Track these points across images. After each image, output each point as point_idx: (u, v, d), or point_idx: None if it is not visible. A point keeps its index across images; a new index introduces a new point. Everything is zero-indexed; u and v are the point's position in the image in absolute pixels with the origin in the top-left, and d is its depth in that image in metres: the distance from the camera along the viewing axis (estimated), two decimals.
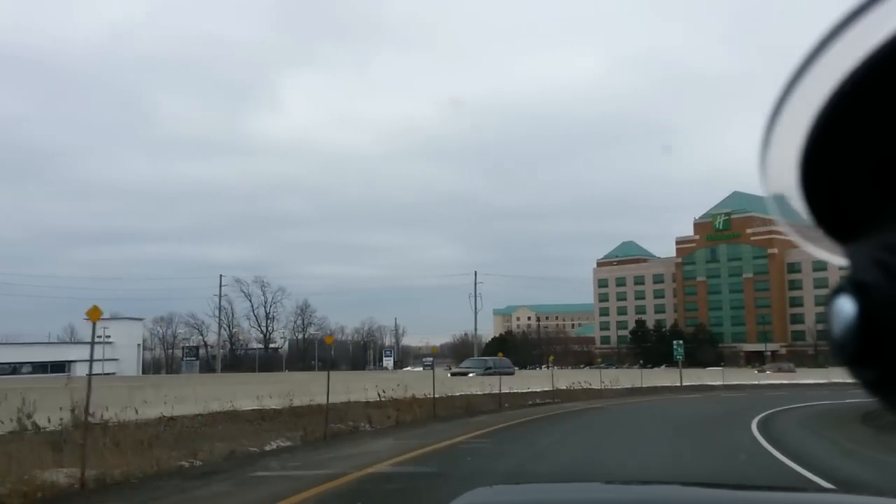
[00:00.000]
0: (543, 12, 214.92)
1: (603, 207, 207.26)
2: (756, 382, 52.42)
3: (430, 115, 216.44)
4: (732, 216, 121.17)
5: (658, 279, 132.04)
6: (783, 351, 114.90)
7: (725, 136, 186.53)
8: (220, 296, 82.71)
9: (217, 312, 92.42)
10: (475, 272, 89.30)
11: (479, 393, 29.66)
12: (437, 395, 25.74)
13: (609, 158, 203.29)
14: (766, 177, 0.62)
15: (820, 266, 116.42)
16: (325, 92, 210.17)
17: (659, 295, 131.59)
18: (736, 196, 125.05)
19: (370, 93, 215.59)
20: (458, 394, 28.60)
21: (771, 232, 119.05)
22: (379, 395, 21.23)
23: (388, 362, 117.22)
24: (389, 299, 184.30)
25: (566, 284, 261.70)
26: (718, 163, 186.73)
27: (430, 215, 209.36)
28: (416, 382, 26.82)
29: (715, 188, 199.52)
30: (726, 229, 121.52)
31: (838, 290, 0.58)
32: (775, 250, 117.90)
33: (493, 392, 30.38)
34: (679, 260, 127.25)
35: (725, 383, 47.63)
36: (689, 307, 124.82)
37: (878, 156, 0.54)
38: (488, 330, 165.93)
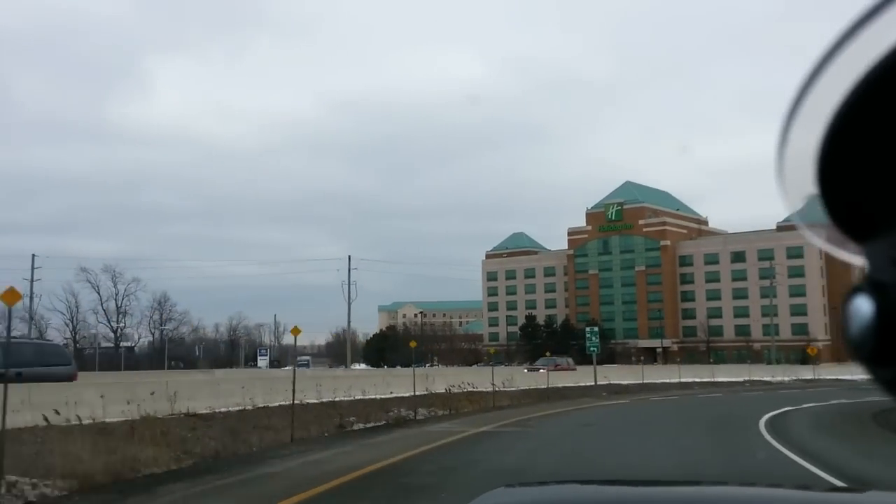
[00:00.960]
0: (430, 13, 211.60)
1: (492, 208, 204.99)
2: (678, 380, 44.96)
3: (314, 109, 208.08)
4: (625, 206, 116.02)
5: (549, 272, 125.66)
6: (675, 347, 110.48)
7: (607, 139, 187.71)
8: (31, 280, 68.88)
9: (53, 305, 78.23)
10: (349, 256, 78.97)
11: (313, 402, 19.87)
12: (228, 409, 15.90)
13: (496, 159, 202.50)
14: (782, 175, 0.61)
15: (711, 259, 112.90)
16: (201, 80, 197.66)
17: (550, 289, 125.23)
18: (628, 186, 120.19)
19: (250, 84, 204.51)
20: (275, 404, 18.67)
21: (663, 223, 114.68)
22: (67, 419, 10.89)
23: (263, 361, 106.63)
24: (272, 297, 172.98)
25: (455, 283, 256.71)
26: (600, 167, 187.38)
27: (315, 212, 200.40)
28: (198, 390, 16.77)
29: (599, 190, 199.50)
30: (618, 220, 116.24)
31: (855, 290, 0.57)
32: (667, 242, 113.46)
33: (339, 399, 20.76)
34: (571, 252, 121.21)
35: (645, 382, 39.70)
36: (581, 301, 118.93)
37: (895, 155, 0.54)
38: (372, 327, 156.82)
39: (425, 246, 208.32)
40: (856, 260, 0.61)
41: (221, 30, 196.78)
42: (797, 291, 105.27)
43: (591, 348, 32.72)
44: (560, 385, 35.73)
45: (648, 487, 2.57)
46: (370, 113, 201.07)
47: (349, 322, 79.16)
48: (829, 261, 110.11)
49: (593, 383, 34.13)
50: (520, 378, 34.67)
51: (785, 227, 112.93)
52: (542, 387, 31.34)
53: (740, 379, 52.11)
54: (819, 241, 0.63)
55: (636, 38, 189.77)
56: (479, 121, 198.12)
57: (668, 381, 45.51)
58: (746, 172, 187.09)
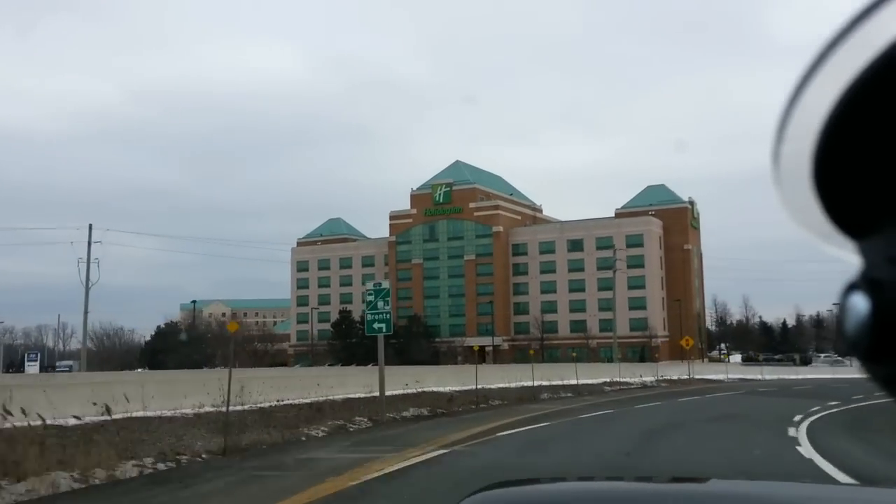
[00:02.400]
0: (246, 2, 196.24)
1: (317, 207, 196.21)
2: (527, 384, 30.95)
3: (120, 97, 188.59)
4: (454, 188, 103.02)
5: (368, 262, 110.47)
6: (506, 346, 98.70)
7: (434, 143, 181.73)
8: None
9: None
10: (89, 225, 59.59)
11: None
12: None
13: (319, 157, 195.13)
14: (778, 172, 0.61)
15: (547, 248, 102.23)
16: None
17: (369, 281, 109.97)
18: (459, 166, 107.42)
19: (43, 66, 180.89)
20: None
21: (496, 207, 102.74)
22: None
23: (33, 367, 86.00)
24: (61, 299, 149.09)
25: (274, 282, 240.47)
26: (425, 171, 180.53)
27: (121, 207, 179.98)
28: None
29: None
30: (447, 202, 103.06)
31: (851, 287, 0.58)
32: (500, 228, 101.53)
33: None
34: (393, 238, 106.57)
35: (480, 387, 25.12)
36: (403, 295, 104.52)
37: (892, 151, 0.53)
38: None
39: (246, 245, 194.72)
40: (851, 257, 0.60)
41: (6, 6, 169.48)
42: (636, 283, 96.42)
43: (377, 324, 17.11)
44: (335, 395, 20.42)
45: (648, 484, 2.47)
46: (185, 105, 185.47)
47: (86, 312, 59.74)
48: (669, 250, 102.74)
49: (379, 393, 18.74)
50: (259, 389, 18.86)
51: (624, 213, 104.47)
52: (263, 401, 15.72)
53: (598, 381, 39.24)
54: (815, 238, 0.62)
55: (460, 44, 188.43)
56: (302, 117, 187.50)
57: (508, 385, 31.47)
58: (569, 181, 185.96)
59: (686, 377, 45.12)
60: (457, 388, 27.03)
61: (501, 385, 31.75)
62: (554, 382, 36.09)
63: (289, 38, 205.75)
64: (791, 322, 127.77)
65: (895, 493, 2.10)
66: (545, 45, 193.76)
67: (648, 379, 43.33)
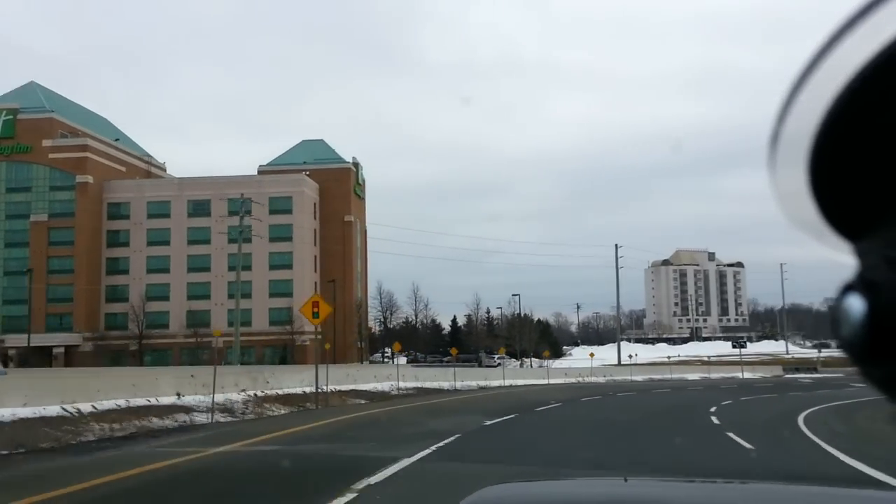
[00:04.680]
0: None
1: None
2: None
3: None
4: (20, 116, 70.32)
5: None
6: (89, 347, 68.49)
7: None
8: None
9: None
10: None
11: None
12: None
13: None
14: (774, 172, 0.61)
15: (160, 211, 73.62)
16: None
17: None
18: (32, 88, 74.47)
19: None
20: None
21: (84, 148, 71.90)
22: None
23: None
24: None
25: None
26: None
27: None
28: None
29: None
30: (9, 137, 70.03)
31: (847, 288, 0.58)
32: (89, 179, 71.00)
33: None
34: None
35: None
36: None
37: (889, 152, 0.53)
38: None
39: None
40: (847, 258, 0.60)
41: None
42: (281, 262, 72.41)
43: None
44: None
45: (650, 483, 2.40)
46: None
47: None
48: (326, 221, 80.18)
49: None
50: None
51: (269, 170, 79.77)
52: None
53: (165, 400, 14.01)
54: (811, 238, 0.61)
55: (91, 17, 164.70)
56: None
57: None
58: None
59: (337, 389, 21.59)
60: None
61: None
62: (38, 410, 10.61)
63: None
64: (461, 321, 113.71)
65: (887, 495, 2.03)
66: (196, 31, 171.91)
67: (252, 393, 18.91)
